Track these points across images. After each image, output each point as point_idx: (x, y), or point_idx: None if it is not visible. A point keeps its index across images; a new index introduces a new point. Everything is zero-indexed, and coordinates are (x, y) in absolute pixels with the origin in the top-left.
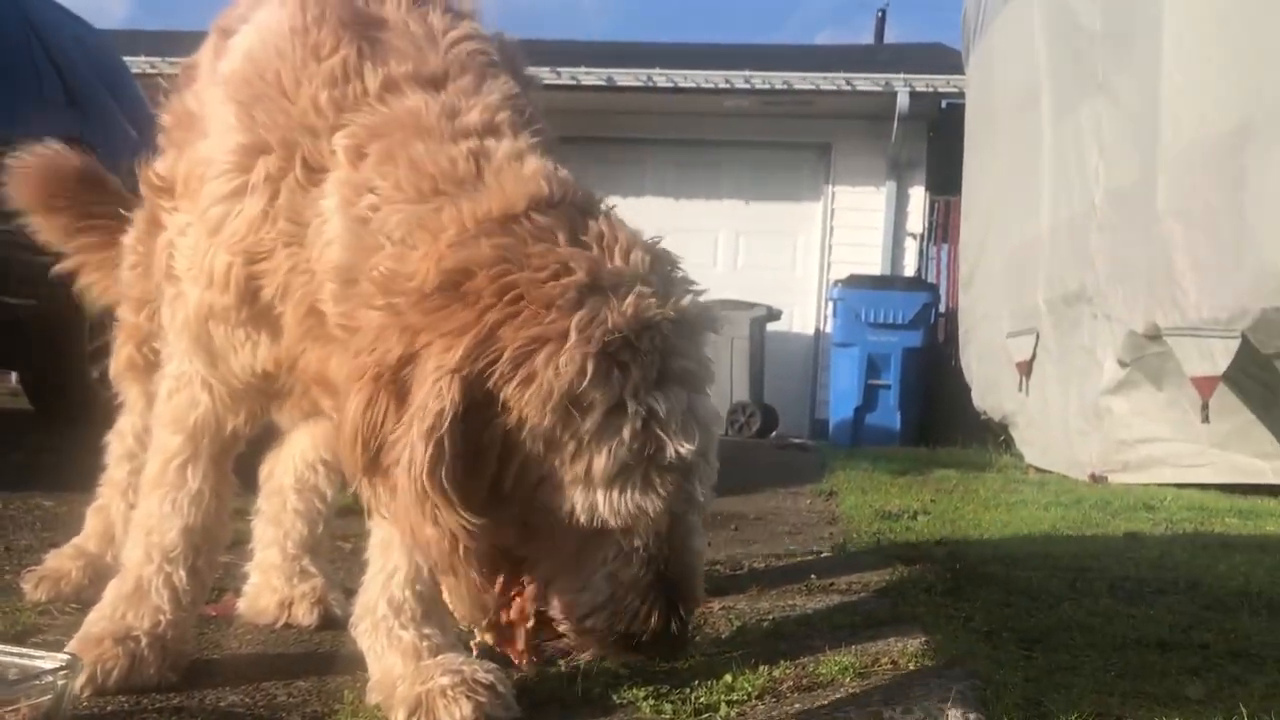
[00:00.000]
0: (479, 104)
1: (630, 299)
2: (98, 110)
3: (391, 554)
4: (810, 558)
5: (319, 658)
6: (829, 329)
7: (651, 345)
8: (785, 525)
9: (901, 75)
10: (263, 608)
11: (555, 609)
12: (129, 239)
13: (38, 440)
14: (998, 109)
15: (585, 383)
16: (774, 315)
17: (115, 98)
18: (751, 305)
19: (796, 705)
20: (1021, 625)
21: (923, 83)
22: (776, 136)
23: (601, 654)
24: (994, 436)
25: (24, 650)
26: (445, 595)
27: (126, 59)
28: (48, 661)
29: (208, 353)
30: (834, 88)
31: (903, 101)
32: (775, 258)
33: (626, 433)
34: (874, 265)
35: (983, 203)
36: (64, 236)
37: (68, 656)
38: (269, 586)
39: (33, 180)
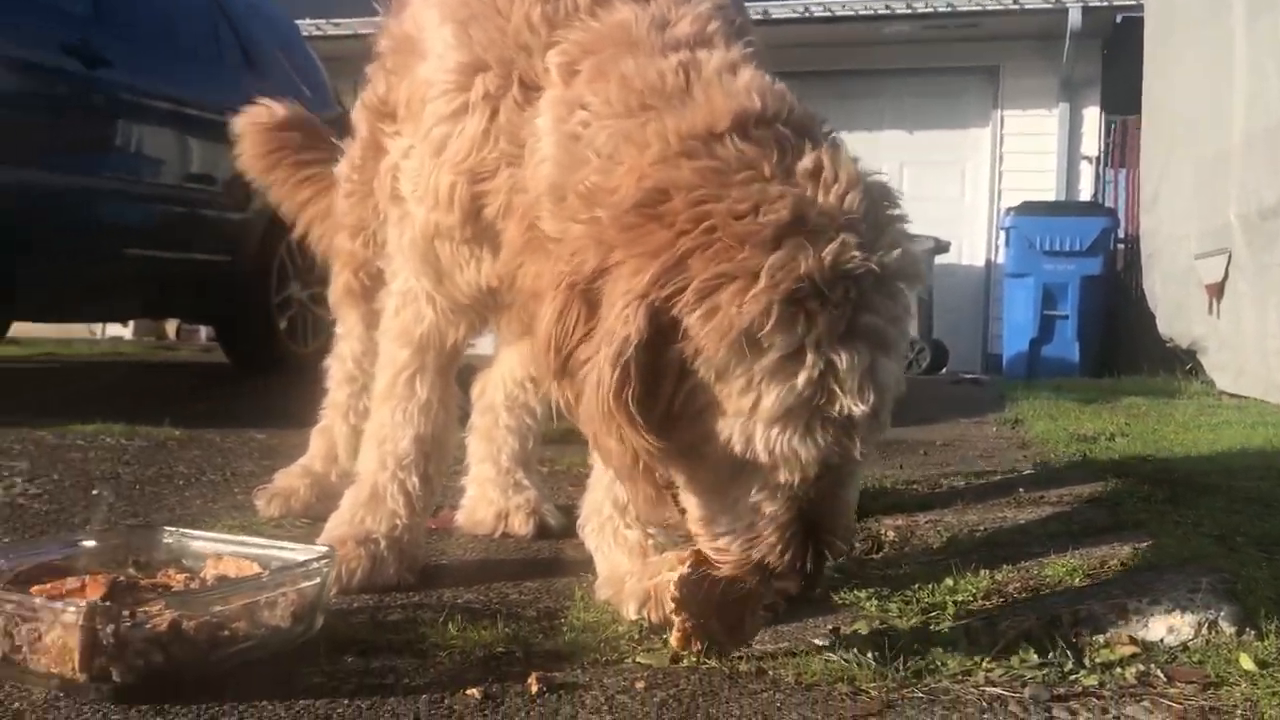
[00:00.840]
0: (689, 14)
1: (831, 247)
2: (274, 72)
3: None
4: (1011, 475)
5: (541, 563)
6: (1001, 259)
7: (844, 298)
8: (975, 450)
9: None
10: (480, 519)
11: (697, 525)
12: (342, 168)
13: (237, 387)
14: (1181, 17)
15: (768, 326)
16: (942, 247)
17: (288, 59)
18: (919, 238)
19: (1027, 602)
20: (1256, 530)
21: None
22: (940, 62)
23: (733, 575)
24: (1180, 365)
25: (277, 543)
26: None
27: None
28: (303, 553)
29: (434, 270)
30: (1000, 7)
31: (1075, 18)
32: (942, 188)
33: (800, 380)
34: (1047, 191)
35: (1165, 119)
36: (286, 192)
37: (325, 548)
38: (485, 499)
39: (251, 139)
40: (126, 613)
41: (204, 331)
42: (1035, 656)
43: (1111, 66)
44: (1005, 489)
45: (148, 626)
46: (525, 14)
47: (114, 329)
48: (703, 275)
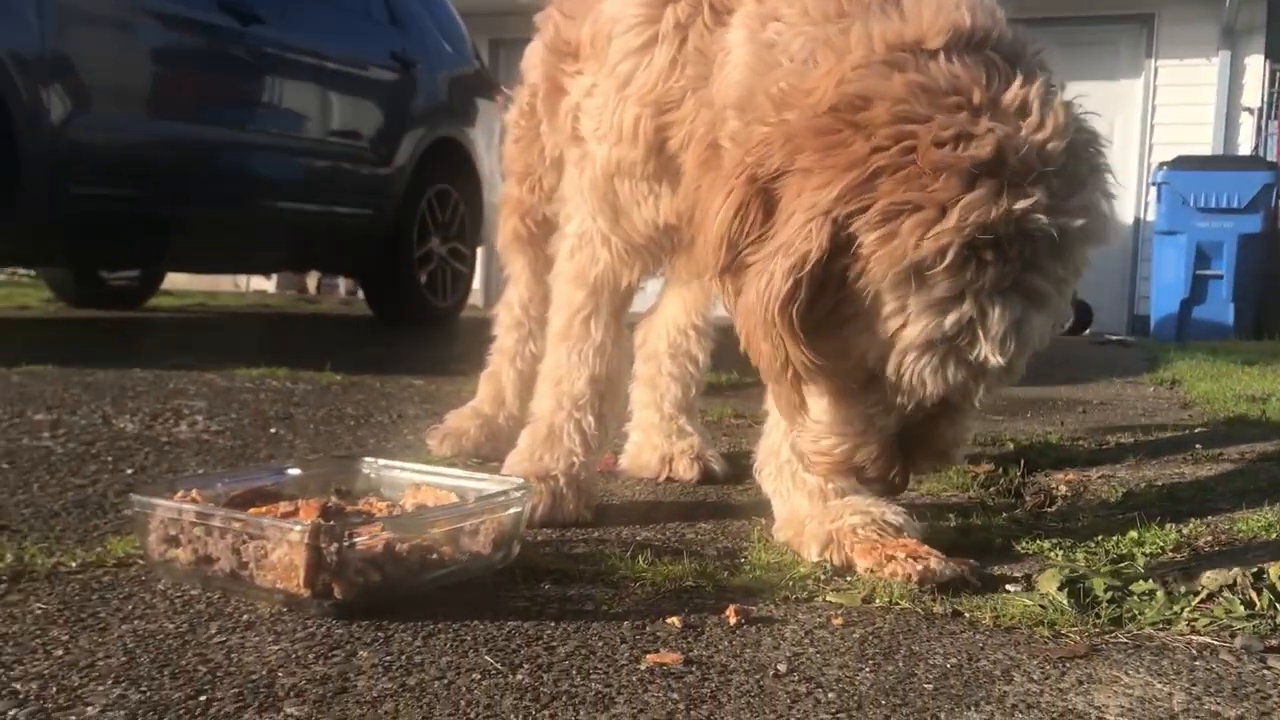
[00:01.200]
0: None
1: (1022, 203)
2: (417, 28)
3: None
4: (1182, 433)
5: (710, 505)
6: (1151, 217)
7: (1019, 254)
8: (1135, 409)
9: None
10: (645, 463)
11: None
12: (511, 115)
13: (386, 337)
14: None
15: (940, 266)
16: None
17: (430, 14)
18: (1113, 196)
19: (1223, 555)
20: None
21: None
22: (1091, 9)
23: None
24: None
25: (472, 474)
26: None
27: None
28: (498, 484)
29: (612, 209)
30: None
31: None
32: None
33: (949, 321)
34: (1203, 145)
35: None
36: None
37: (519, 480)
38: (649, 444)
39: None
40: (347, 533)
41: (343, 285)
42: (1242, 608)
43: (1278, 12)
44: (1179, 446)
45: (364, 547)
46: None
47: (257, 282)
48: (891, 197)
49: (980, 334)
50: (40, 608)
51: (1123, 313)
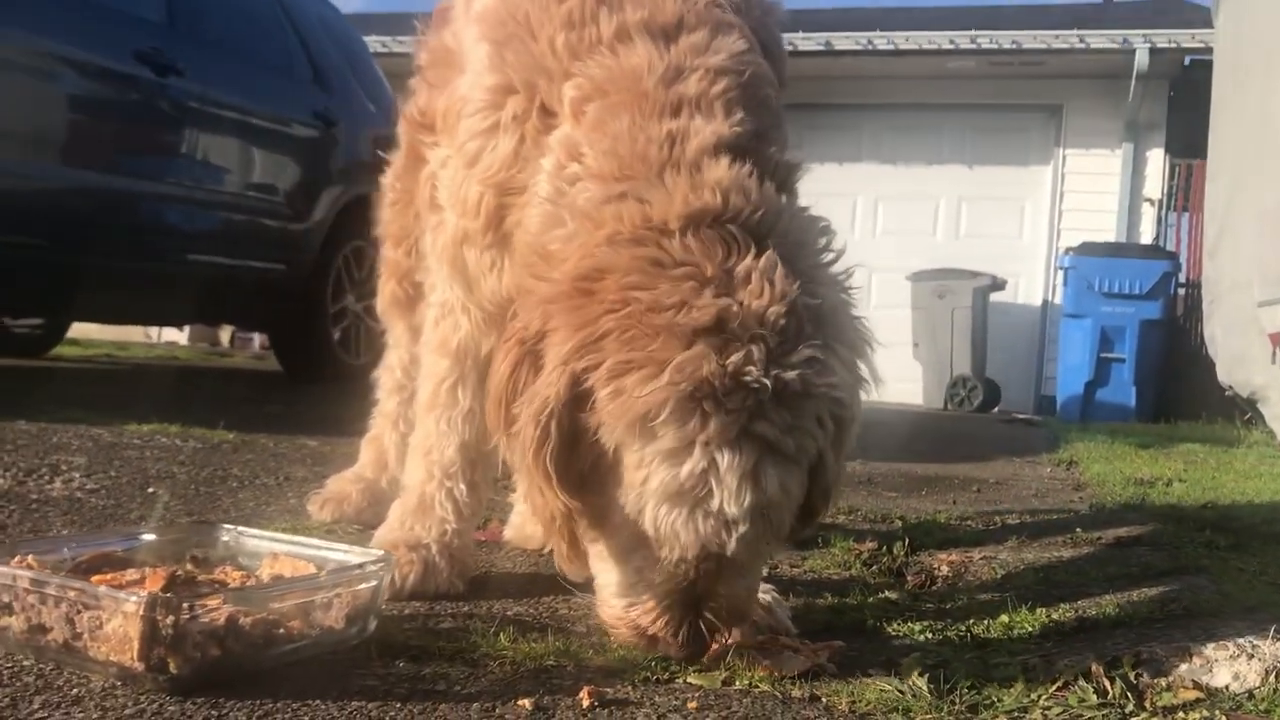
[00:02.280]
0: (701, 68)
1: (737, 357)
2: (341, 87)
3: None
4: (1067, 515)
5: (589, 579)
6: (1058, 299)
7: (740, 405)
8: (1029, 489)
9: (1140, 31)
10: (529, 534)
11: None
12: (387, 178)
13: (291, 395)
14: (1251, 63)
15: (662, 417)
16: (999, 285)
17: (355, 75)
18: (975, 274)
19: (1085, 642)
20: None
21: (1164, 38)
22: (1002, 98)
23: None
24: (1239, 413)
25: (333, 544)
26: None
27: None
28: (359, 556)
29: (463, 277)
30: (1066, 46)
31: (1141, 59)
32: (1000, 225)
33: (684, 471)
34: (1108, 233)
35: (1230, 165)
36: None
37: (381, 552)
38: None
39: None
40: (186, 605)
41: (257, 339)
42: (1095, 697)
43: (1178, 109)
44: (1061, 528)
45: (205, 620)
46: (550, 38)
47: (169, 333)
48: (616, 356)
49: (714, 483)
50: None
51: (1030, 392)
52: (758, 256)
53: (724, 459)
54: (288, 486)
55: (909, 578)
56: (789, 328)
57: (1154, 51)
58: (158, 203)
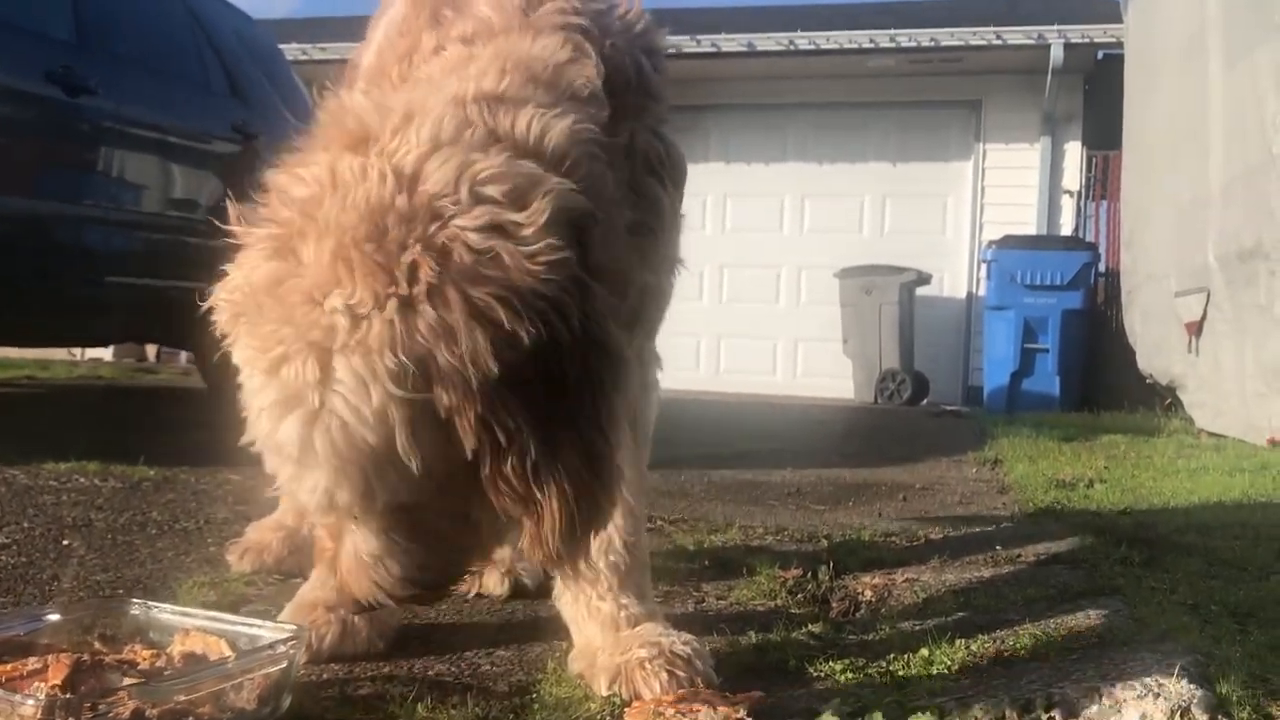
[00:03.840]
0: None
1: None
2: (259, 100)
3: None
4: (989, 528)
5: (515, 626)
6: (982, 292)
7: None
8: (954, 495)
9: (1055, 27)
10: None
11: None
12: None
13: (216, 418)
14: (1160, 58)
15: None
16: (924, 279)
17: (273, 86)
18: (900, 270)
19: (1001, 680)
20: (1230, 598)
21: (1078, 34)
22: (923, 95)
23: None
24: (1160, 400)
25: (245, 620)
26: None
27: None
28: (271, 631)
29: None
30: (983, 42)
31: (1057, 54)
32: (924, 220)
33: None
34: (1028, 225)
35: (1144, 157)
36: None
37: (293, 627)
38: None
39: None
40: (88, 705)
41: (184, 354)
42: None
43: (1093, 102)
44: (983, 544)
45: (110, 716)
46: (390, 73)
47: (94, 351)
48: None
49: None
50: None
51: (958, 383)
52: None
53: None
54: (208, 531)
55: (834, 604)
56: None
57: (1068, 46)
58: (73, 225)
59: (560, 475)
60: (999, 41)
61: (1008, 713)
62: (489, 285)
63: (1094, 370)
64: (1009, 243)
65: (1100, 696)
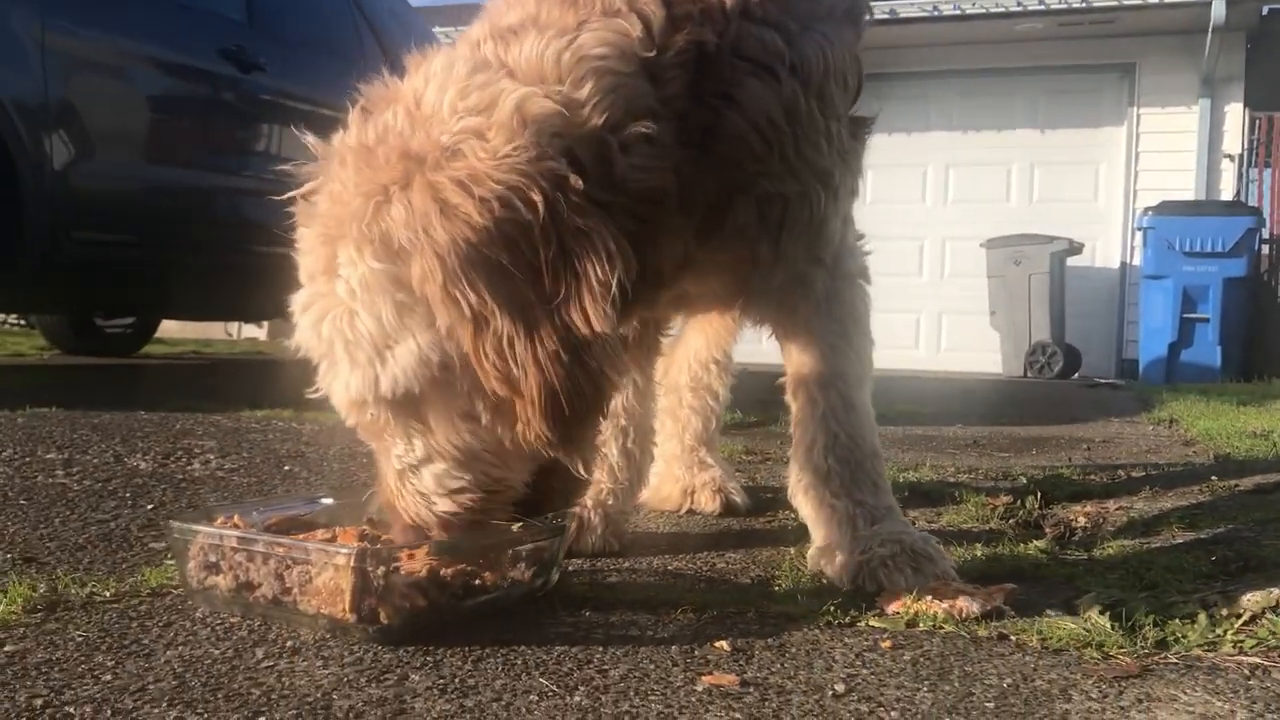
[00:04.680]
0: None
1: None
2: None
3: (808, 426)
4: (1190, 467)
5: (735, 535)
6: (1137, 261)
7: None
8: (1138, 446)
9: None
10: (666, 495)
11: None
12: None
13: None
14: None
15: None
16: (1075, 249)
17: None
18: (1050, 239)
19: (1256, 581)
20: None
21: None
22: (1073, 59)
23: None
24: None
25: None
26: None
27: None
28: None
29: None
30: (1138, 2)
31: (1218, 11)
32: (1075, 188)
33: None
34: (1186, 191)
35: None
36: None
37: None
38: (671, 476)
39: None
40: (394, 556)
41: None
42: None
43: (1256, 61)
44: (1192, 478)
45: (409, 570)
46: None
47: (249, 330)
48: None
49: None
50: (81, 635)
51: (1111, 356)
52: None
53: None
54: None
55: (1047, 529)
56: None
57: (1230, 3)
58: (239, 197)
59: (538, 356)
60: (1155, 1)
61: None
62: (447, 173)
63: (1259, 340)
64: (1167, 209)
65: None
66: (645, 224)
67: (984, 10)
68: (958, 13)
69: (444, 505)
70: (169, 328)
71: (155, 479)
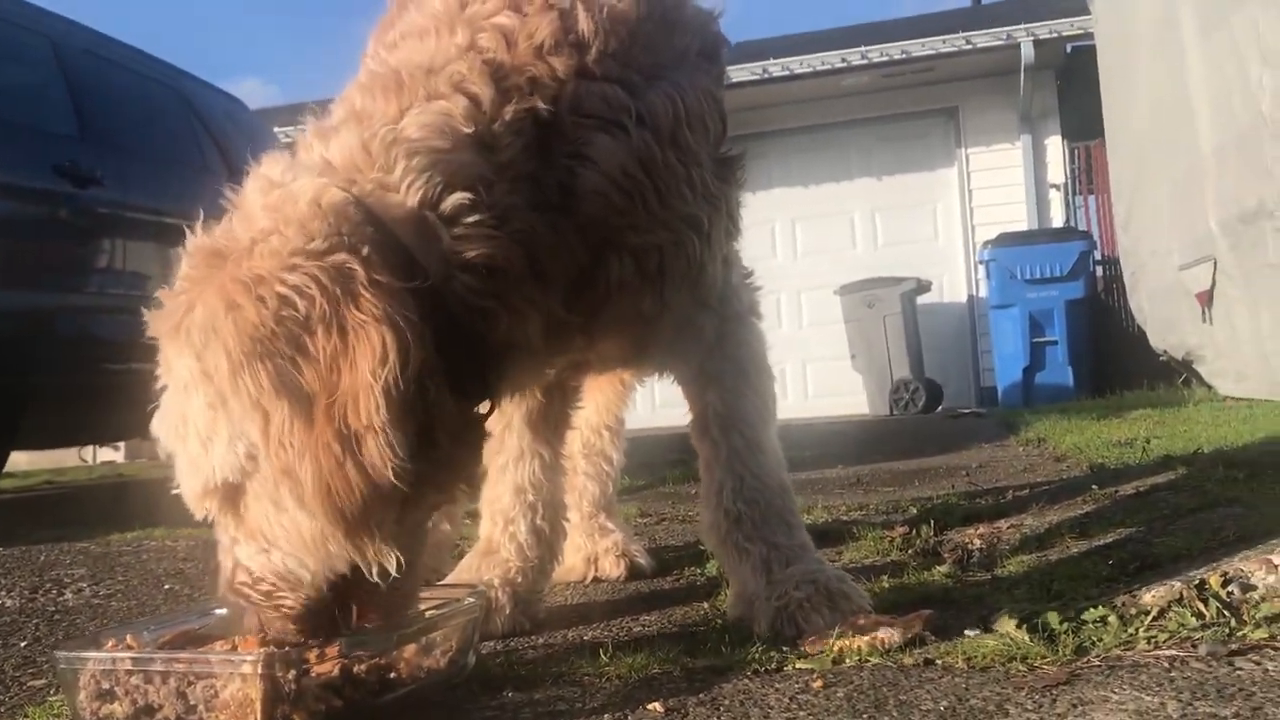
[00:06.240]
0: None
1: None
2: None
3: (715, 471)
4: (1071, 480)
5: (644, 598)
6: (983, 293)
7: None
8: (1014, 467)
9: (1022, 26)
10: (569, 565)
11: None
12: None
13: None
14: (1132, 41)
15: None
16: (924, 287)
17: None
18: (899, 280)
19: (1154, 578)
20: None
21: (1045, 30)
22: (900, 108)
23: None
24: (1176, 376)
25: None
26: None
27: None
28: (445, 595)
29: None
30: (953, 49)
31: (1027, 52)
32: (916, 229)
33: None
34: (1020, 222)
35: (1129, 138)
36: None
37: (474, 587)
38: (572, 545)
39: None
40: (303, 659)
41: None
42: (1193, 619)
43: (1068, 96)
44: (1074, 490)
45: (321, 671)
46: None
47: (104, 453)
48: None
49: None
50: None
51: (970, 386)
52: None
53: None
54: None
55: (946, 554)
56: None
57: (1038, 43)
58: (87, 315)
59: (313, 445)
60: (969, 46)
61: (1184, 592)
62: (237, 272)
63: (1104, 356)
64: (1005, 240)
65: (1276, 568)
66: (496, 298)
67: (811, 69)
68: (786, 73)
69: (255, 595)
70: (17, 460)
71: (25, 614)
